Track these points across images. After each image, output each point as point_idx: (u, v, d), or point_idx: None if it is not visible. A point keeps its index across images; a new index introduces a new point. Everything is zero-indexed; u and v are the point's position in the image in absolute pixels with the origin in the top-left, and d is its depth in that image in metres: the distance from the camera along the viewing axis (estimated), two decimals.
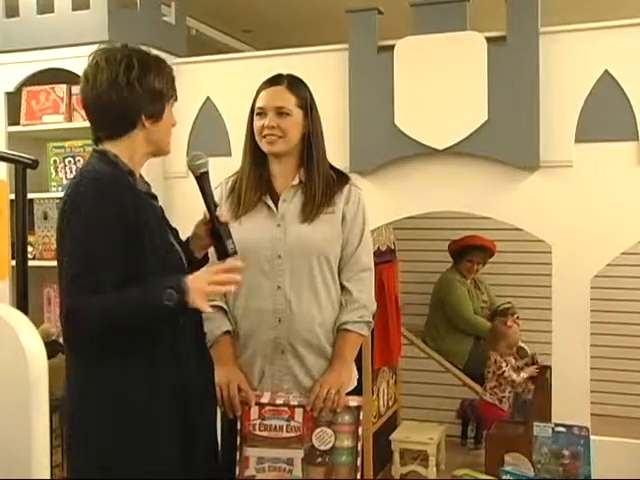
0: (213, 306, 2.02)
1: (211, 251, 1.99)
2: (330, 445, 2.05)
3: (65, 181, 3.39)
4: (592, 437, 1.83)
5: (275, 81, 2.18)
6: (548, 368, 3.26)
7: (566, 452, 1.82)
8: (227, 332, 2.13)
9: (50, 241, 3.35)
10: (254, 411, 2.06)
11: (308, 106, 2.17)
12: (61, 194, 3.34)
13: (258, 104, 2.16)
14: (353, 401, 2.09)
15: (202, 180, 1.89)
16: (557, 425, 1.86)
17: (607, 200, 2.84)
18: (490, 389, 3.85)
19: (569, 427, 1.84)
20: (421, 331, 4.50)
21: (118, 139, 1.79)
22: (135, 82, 1.75)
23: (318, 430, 2.05)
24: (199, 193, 1.88)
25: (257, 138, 2.16)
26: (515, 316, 4.28)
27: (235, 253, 1.89)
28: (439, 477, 3.73)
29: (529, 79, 2.88)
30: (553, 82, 2.89)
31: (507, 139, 2.91)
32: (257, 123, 2.16)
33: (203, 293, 1.69)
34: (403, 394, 4.26)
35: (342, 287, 2.18)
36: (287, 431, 2.05)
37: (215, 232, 1.88)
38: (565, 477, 1.80)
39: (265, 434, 2.05)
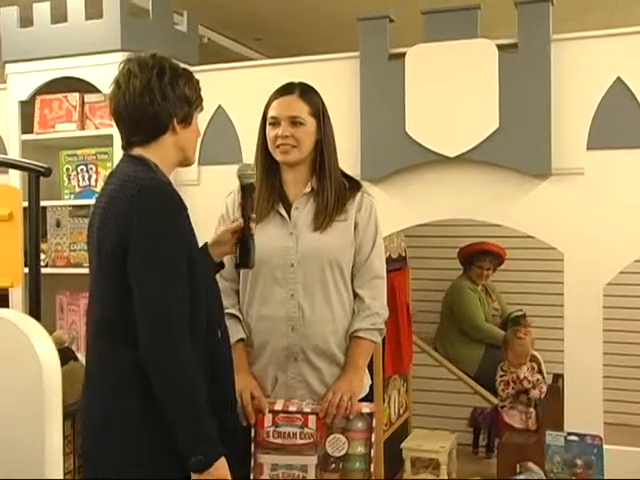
0: (226, 314, 2.04)
1: (226, 258, 2.03)
2: (344, 452, 2.06)
3: (78, 189, 3.41)
4: (605, 446, 1.82)
5: (287, 90, 2.18)
6: (560, 377, 3.24)
7: (579, 461, 1.81)
8: (241, 340, 2.14)
9: (62, 248, 3.36)
10: (268, 418, 2.07)
11: (321, 114, 2.17)
12: (74, 202, 3.41)
13: (271, 113, 2.16)
14: (366, 408, 2.10)
15: (247, 189, 1.99)
16: (570, 434, 1.85)
17: (619, 207, 2.83)
18: (506, 397, 3.79)
19: (582, 436, 1.83)
20: (432, 339, 4.49)
21: (149, 144, 1.81)
22: (167, 87, 1.79)
23: (331, 437, 2.06)
24: (239, 200, 2.00)
25: (270, 148, 2.16)
26: (528, 323, 4.26)
27: (253, 267, 1.98)
28: None
29: (541, 86, 2.88)
30: (565, 89, 2.88)
31: (518, 146, 2.90)
32: (270, 133, 2.15)
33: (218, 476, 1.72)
34: (414, 402, 4.24)
35: (355, 294, 2.18)
36: (301, 438, 2.06)
37: (244, 241, 1.95)
38: None
39: (279, 441, 2.06)
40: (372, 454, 2.08)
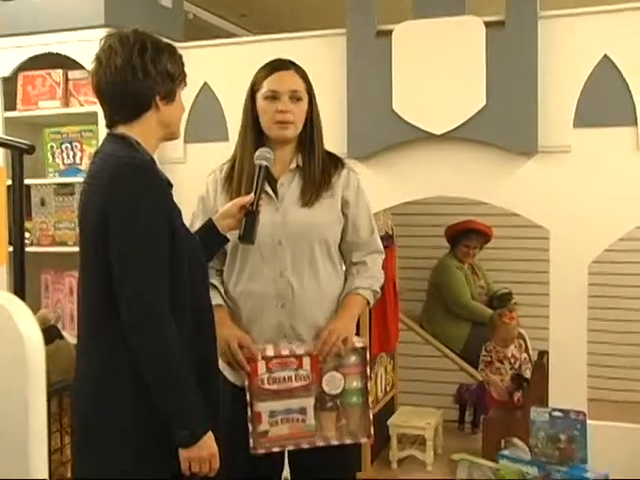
0: None
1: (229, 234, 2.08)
2: (340, 389, 2.07)
3: (62, 167, 3.38)
4: (588, 421, 1.84)
5: (283, 65, 2.16)
6: (546, 353, 3.27)
7: (563, 436, 1.82)
8: (221, 305, 2.13)
9: (47, 227, 3.33)
10: (261, 365, 2.05)
11: (311, 91, 2.17)
12: (58, 180, 3.38)
13: (270, 87, 2.12)
14: (358, 342, 2.11)
15: (262, 170, 2.07)
16: (554, 410, 1.87)
17: (605, 185, 2.84)
18: (489, 369, 3.82)
19: (566, 412, 1.84)
20: (419, 316, 4.51)
21: (132, 122, 1.80)
22: (149, 63, 1.77)
23: (328, 375, 2.06)
24: (255, 178, 2.06)
25: (266, 123, 2.13)
26: (513, 302, 4.29)
27: (254, 243, 2.03)
28: (436, 462, 3.74)
29: (528, 64, 2.87)
30: (552, 67, 2.88)
31: (505, 124, 2.90)
32: (268, 107, 2.11)
33: (200, 459, 1.72)
34: (401, 379, 4.27)
35: (354, 263, 2.21)
36: (296, 381, 2.05)
37: (250, 216, 2.02)
38: (561, 461, 1.81)
39: (274, 387, 2.04)
40: (368, 387, 2.09)
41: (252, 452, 2.04)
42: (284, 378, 2.05)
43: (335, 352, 2.06)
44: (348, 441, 2.09)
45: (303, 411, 2.05)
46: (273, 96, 2.11)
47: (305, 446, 2.06)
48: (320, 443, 2.07)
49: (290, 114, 2.10)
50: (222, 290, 2.17)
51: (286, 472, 2.24)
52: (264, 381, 2.05)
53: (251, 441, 2.04)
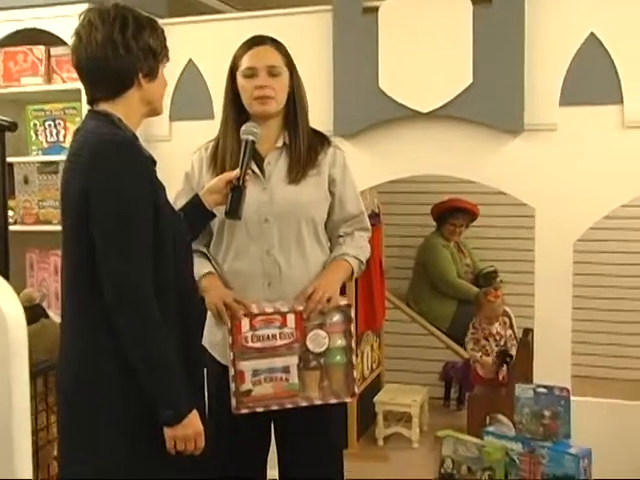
0: (195, 250, 2.07)
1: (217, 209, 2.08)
2: (324, 347, 2.06)
3: (45, 144, 3.34)
4: (572, 397, 1.85)
5: (260, 41, 2.15)
6: (531, 331, 3.29)
7: (547, 412, 1.83)
8: (211, 272, 2.13)
9: (31, 205, 3.30)
10: (245, 323, 2.03)
11: (292, 66, 2.15)
12: (42, 158, 3.35)
13: (247, 64, 2.12)
14: (342, 300, 2.11)
15: (248, 145, 2.06)
16: (538, 386, 1.88)
17: (591, 163, 2.84)
18: (477, 347, 3.83)
19: (550, 388, 1.86)
20: (405, 295, 4.53)
21: (114, 99, 1.77)
22: (131, 39, 1.74)
23: (312, 333, 2.05)
24: (241, 154, 2.06)
25: (246, 100, 2.13)
26: (499, 280, 4.31)
27: (240, 218, 2.02)
28: (422, 438, 3.78)
29: (514, 41, 2.85)
30: (538, 44, 2.86)
31: (492, 102, 2.89)
32: (246, 84, 2.11)
33: (185, 437, 1.72)
34: (387, 357, 4.30)
35: (341, 235, 2.21)
36: (280, 339, 2.03)
37: (236, 191, 2.01)
38: (545, 436, 1.82)
39: (258, 345, 2.03)
40: (353, 345, 2.09)
41: (235, 412, 2.03)
42: (268, 336, 2.03)
43: (319, 309, 2.05)
44: (332, 401, 2.08)
45: (287, 370, 2.04)
46: (251, 73, 2.11)
47: (289, 406, 2.05)
48: (303, 403, 2.06)
49: (269, 89, 2.09)
50: (211, 257, 2.17)
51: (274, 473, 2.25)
52: (248, 339, 2.03)
53: (233, 400, 2.03)
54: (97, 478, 1.73)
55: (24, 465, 1.39)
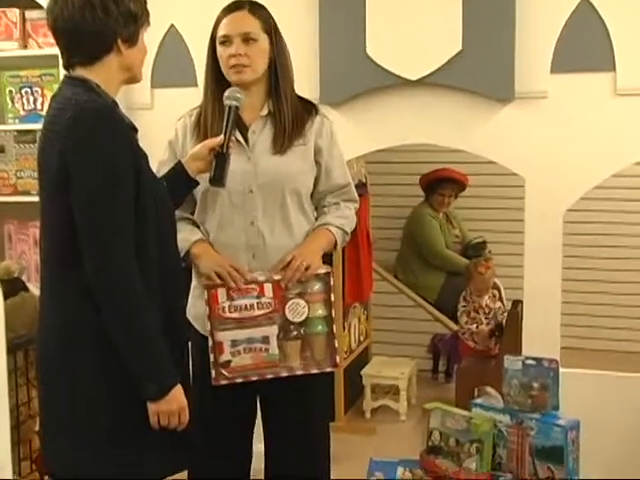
0: (184, 218, 2.07)
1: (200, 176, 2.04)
2: (304, 316, 2.03)
3: (22, 112, 3.24)
4: (561, 369, 1.83)
5: (236, 6, 2.10)
6: (520, 303, 3.28)
7: (535, 384, 1.82)
8: (202, 239, 2.10)
9: (8, 176, 3.22)
10: (222, 293, 2.00)
11: (272, 30, 2.10)
12: (18, 126, 3.26)
13: (221, 32, 2.08)
14: (321, 269, 2.07)
15: (231, 111, 2.02)
16: (527, 358, 1.86)
17: (582, 132, 2.80)
18: (469, 318, 3.82)
19: (539, 360, 1.84)
20: (393, 266, 4.50)
21: (92, 65, 1.72)
22: (110, 2, 1.68)
23: (290, 302, 2.02)
24: (224, 120, 2.01)
25: (224, 69, 2.09)
26: (487, 251, 4.28)
27: (224, 186, 1.98)
28: (410, 411, 3.78)
29: (505, 7, 2.79)
30: (529, 10, 2.80)
31: (482, 69, 2.83)
32: (222, 53, 2.08)
33: (169, 412, 1.69)
34: (374, 329, 4.28)
35: (326, 205, 2.18)
36: (258, 309, 2.01)
37: (220, 158, 1.97)
38: (534, 408, 1.81)
39: (235, 315, 2.00)
40: (333, 314, 2.06)
41: (214, 383, 2.01)
42: (245, 306, 2.00)
43: (298, 278, 2.01)
44: (313, 371, 2.06)
45: (266, 340, 2.01)
46: (225, 41, 2.07)
47: (269, 376, 2.03)
48: (284, 373, 2.03)
49: (244, 57, 2.05)
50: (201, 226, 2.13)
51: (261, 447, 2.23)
52: (225, 309, 2.00)
53: (213, 372, 2.00)
54: (78, 454, 1.71)
55: (1, 439, 1.35)
